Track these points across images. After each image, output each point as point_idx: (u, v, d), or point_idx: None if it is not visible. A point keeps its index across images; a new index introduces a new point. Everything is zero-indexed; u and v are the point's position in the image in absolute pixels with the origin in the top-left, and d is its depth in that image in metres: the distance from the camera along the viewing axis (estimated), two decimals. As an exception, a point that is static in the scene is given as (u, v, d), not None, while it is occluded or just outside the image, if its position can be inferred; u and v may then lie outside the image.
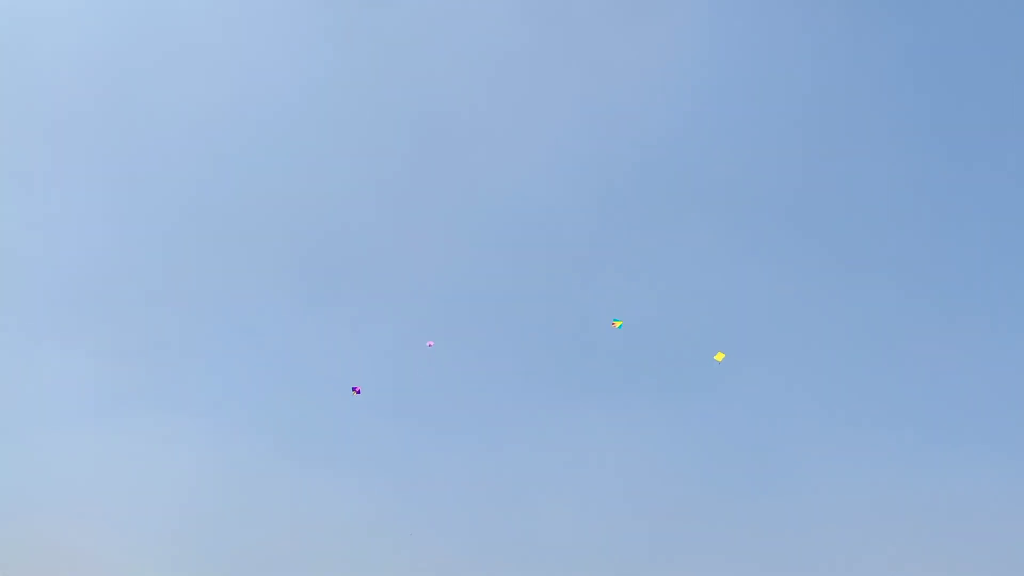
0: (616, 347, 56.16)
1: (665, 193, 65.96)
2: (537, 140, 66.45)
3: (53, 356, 56.06)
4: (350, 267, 62.96)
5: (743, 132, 66.61)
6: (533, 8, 67.17)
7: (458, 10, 66.65)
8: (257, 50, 66.65)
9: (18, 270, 59.63)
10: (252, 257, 62.92)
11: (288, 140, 65.98)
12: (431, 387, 55.86)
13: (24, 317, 57.93)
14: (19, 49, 63.52)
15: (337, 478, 52.52)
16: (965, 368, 56.72)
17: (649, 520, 50.92)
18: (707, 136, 67.19)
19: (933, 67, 66.40)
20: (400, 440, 54.44)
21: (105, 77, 64.41)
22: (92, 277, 61.12)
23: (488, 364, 58.53)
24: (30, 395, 54.17)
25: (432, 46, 66.43)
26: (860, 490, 51.33)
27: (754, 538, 49.47)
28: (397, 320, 58.90)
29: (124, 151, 64.33)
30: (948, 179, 64.39)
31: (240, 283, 62.03)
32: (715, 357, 43.01)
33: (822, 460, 52.87)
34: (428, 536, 49.93)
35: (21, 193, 61.71)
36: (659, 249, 63.14)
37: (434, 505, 51.54)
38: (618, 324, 43.93)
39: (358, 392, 45.91)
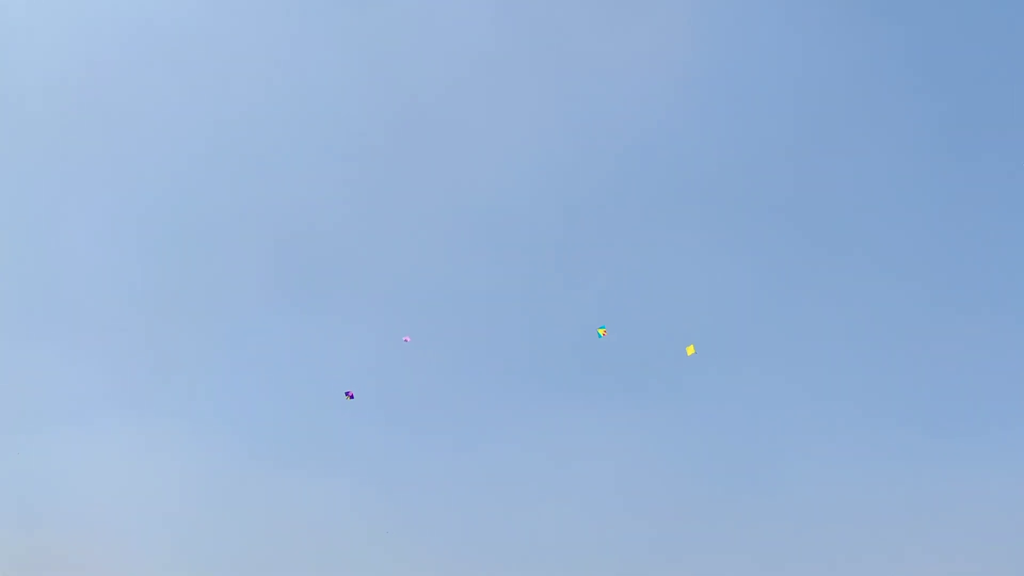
0: (602, 346, 55.69)
1: (650, 192, 66.05)
2: (519, 139, 66.46)
3: (41, 359, 55.99)
4: (332, 269, 62.77)
5: (728, 130, 66.83)
6: (515, 6, 67.35)
7: (438, 9, 66.71)
8: (233, 54, 66.65)
9: (6, 274, 59.75)
10: (236, 260, 62.85)
11: (265, 142, 65.98)
12: (415, 388, 55.92)
13: (12, 320, 58.02)
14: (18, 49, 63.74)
15: (324, 479, 52.43)
16: (957, 365, 57.03)
17: (638, 519, 50.91)
18: (692, 134, 67.34)
19: (920, 63, 66.70)
20: (386, 441, 54.47)
21: (91, 82, 64.64)
22: (76, 281, 60.81)
23: (473, 364, 58.64)
24: (18, 398, 54.10)
25: (412, 46, 66.46)
26: (852, 487, 51.44)
27: (745, 537, 49.56)
28: (381, 321, 58.91)
29: (110, 154, 64.36)
30: (937, 176, 64.71)
31: (225, 286, 61.98)
32: (687, 350, 43.22)
33: (813, 458, 52.88)
34: (414, 535, 49.99)
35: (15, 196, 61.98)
36: (644, 248, 63.19)
37: (420, 505, 51.62)
38: (602, 332, 44.02)
39: (351, 397, 46.13)
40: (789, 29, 66.70)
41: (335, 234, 63.93)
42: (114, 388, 55.36)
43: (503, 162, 65.57)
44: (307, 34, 66.43)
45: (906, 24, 66.02)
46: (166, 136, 64.74)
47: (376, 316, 59.46)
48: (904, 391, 56.14)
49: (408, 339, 47.20)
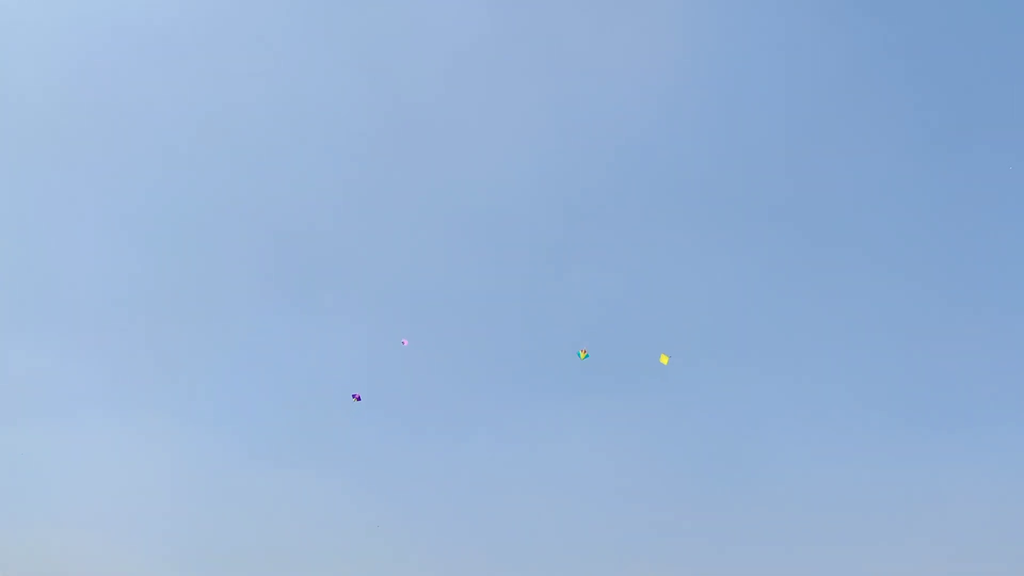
0: (598, 344, 56.21)
1: (645, 189, 66.32)
2: (516, 138, 66.73)
3: (39, 356, 56.16)
4: (329, 267, 63.17)
5: (724, 129, 67.21)
6: (514, 5, 67.51)
7: (436, 8, 66.70)
8: (231, 53, 66.81)
9: (5, 271, 60.11)
10: (234, 258, 63.35)
11: (263, 141, 66.32)
12: (412, 385, 56.13)
13: (11, 317, 58.36)
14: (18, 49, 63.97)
15: (320, 476, 52.68)
16: (947, 360, 57.58)
17: (634, 514, 51.16)
18: (687, 133, 67.69)
19: (916, 60, 66.91)
20: (382, 438, 54.65)
21: (89, 84, 64.83)
22: (74, 278, 61.23)
23: (469, 361, 59.01)
24: (16, 394, 54.35)
25: (409, 45, 66.61)
26: (844, 481, 51.76)
27: (739, 530, 49.87)
28: (377, 319, 59.18)
29: (109, 153, 64.64)
30: (931, 174, 65.06)
31: (223, 284, 62.45)
32: (661, 359, 43.91)
33: (805, 453, 53.50)
34: (409, 531, 50.35)
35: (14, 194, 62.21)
36: (638, 244, 63.56)
37: (415, 501, 51.88)
38: (583, 355, 44.71)
39: (358, 399, 46.23)
40: (786, 28, 67.15)
41: (332, 232, 64.53)
42: (112, 385, 55.78)
43: (500, 161, 66.02)
44: (304, 34, 66.72)
45: (903, 22, 66.47)
46: (164, 134, 65.15)
47: (373, 314, 59.96)
48: (894, 386, 56.84)
49: (406, 343, 47.36)
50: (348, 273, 62.60)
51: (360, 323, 59.48)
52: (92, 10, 65.04)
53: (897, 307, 59.37)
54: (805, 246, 62.92)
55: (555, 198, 65.58)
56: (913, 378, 57.02)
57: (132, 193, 63.84)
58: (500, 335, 60.00)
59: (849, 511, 50.09)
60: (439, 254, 63.39)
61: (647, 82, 65.86)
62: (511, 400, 56.91)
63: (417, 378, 55.56)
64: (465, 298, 61.26)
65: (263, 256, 63.15)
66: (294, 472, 52.37)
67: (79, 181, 63.67)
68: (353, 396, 46.24)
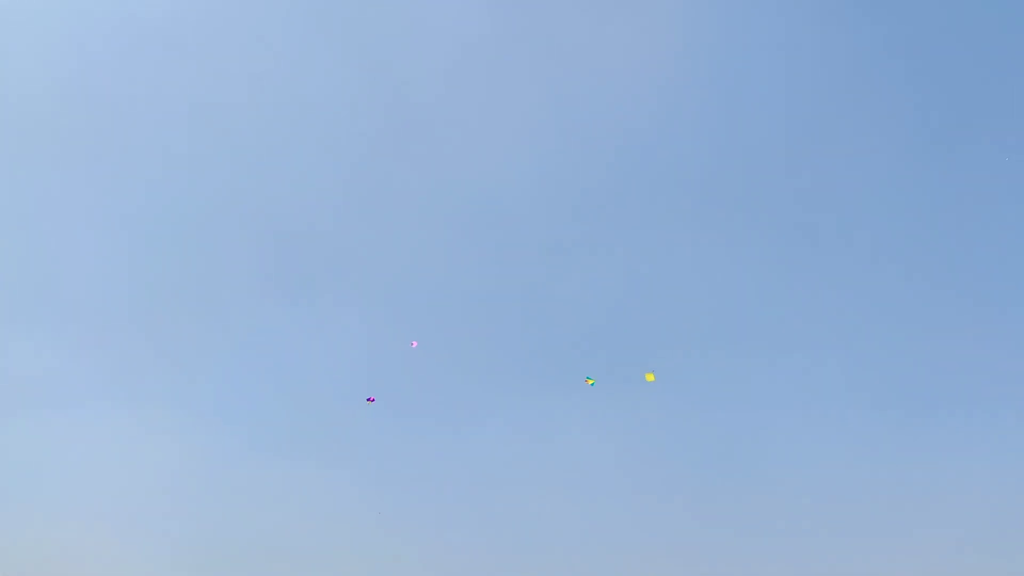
0: (598, 340, 56.65)
1: (644, 186, 66.44)
2: (515, 137, 66.87)
3: (41, 350, 56.30)
4: (329, 262, 63.36)
5: (724, 126, 67.46)
6: (513, 4, 67.57)
7: (436, 7, 66.82)
8: (230, 52, 66.94)
9: (5, 266, 60.10)
10: (235, 253, 63.34)
11: (263, 139, 66.44)
12: (412, 379, 56.07)
13: (12, 311, 58.47)
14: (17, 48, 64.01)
15: (321, 469, 52.76)
16: (943, 355, 57.73)
17: (635, 508, 51.33)
18: (683, 131, 67.89)
19: (915, 59, 67.09)
20: (383, 432, 54.59)
21: (90, 80, 64.85)
22: (76, 273, 61.31)
23: (470, 357, 59.00)
24: (17, 387, 54.42)
25: (408, 44, 66.75)
26: (842, 477, 51.84)
27: (738, 523, 50.07)
28: (377, 314, 59.51)
29: (109, 151, 64.66)
30: (929, 171, 65.21)
31: (224, 279, 62.56)
32: (647, 377, 44.32)
33: (804, 447, 53.53)
34: (411, 525, 50.30)
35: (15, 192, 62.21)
36: (638, 241, 63.72)
37: (416, 495, 51.96)
38: (591, 382, 45.13)
39: (372, 401, 46.50)
40: (786, 26, 67.38)
41: (332, 228, 64.64)
42: (114, 382, 55.85)
43: (500, 159, 66.17)
44: (304, 33, 66.88)
45: (903, 22, 66.64)
46: (165, 131, 65.29)
47: (374, 309, 60.17)
48: (894, 380, 57.10)
49: (415, 344, 47.49)
50: (349, 267, 63.01)
51: (362, 318, 59.92)
52: (92, 9, 65.47)
53: (896, 303, 59.86)
54: (805, 243, 63.41)
55: (555, 196, 66.02)
56: (912, 373, 57.49)
57: (133, 190, 64.21)
58: (501, 331, 60.33)
59: (851, 504, 50.46)
60: (439, 249, 63.75)
61: (647, 81, 66.29)
62: (513, 395, 57.23)
63: (419, 374, 55.80)
64: (466, 294, 61.64)
65: (264, 251, 63.55)
66: (296, 467, 52.59)
67: (81, 178, 64.09)
68: (368, 399, 46.60)
